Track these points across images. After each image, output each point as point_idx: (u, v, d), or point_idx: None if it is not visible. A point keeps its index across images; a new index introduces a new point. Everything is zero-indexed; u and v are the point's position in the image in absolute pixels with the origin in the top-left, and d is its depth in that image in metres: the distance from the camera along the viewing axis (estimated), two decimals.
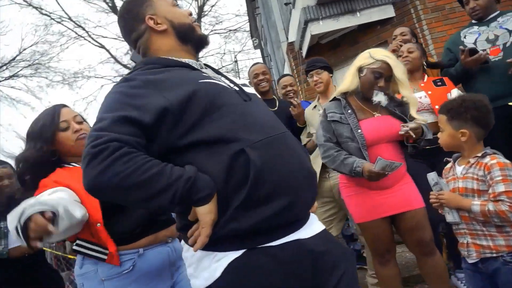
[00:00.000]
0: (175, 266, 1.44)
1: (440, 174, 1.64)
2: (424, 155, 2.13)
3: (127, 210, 1.34)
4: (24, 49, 15.51)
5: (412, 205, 1.86)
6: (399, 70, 1.84)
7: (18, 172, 1.37)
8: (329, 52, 5.63)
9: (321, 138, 1.98)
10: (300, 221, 0.98)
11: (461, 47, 2.26)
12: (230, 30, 16.83)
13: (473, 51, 2.19)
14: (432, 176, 1.57)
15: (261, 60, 13.87)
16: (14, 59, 15.87)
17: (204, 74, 1.06)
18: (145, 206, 1.02)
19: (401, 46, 2.71)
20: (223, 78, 1.11)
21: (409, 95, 1.86)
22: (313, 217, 1.05)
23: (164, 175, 0.86)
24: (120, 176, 0.83)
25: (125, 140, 0.86)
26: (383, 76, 1.86)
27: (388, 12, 5.05)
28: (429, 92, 2.25)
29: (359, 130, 1.85)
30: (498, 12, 2.41)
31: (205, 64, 1.16)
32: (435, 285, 1.92)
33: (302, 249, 0.93)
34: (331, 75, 2.70)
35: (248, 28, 15.35)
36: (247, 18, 14.82)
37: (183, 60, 1.09)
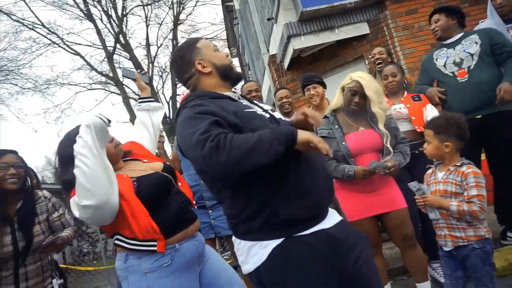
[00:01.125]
0: (202, 256, 1.68)
1: (418, 177, 1.95)
2: None
3: (161, 209, 1.55)
4: None
5: (396, 205, 2.17)
6: (369, 89, 2.13)
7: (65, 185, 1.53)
8: (309, 65, 6.00)
9: None
10: (323, 215, 1.26)
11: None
12: (207, 38, 17.04)
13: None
14: (413, 185, 1.86)
15: (239, 69, 14.13)
16: None
17: (244, 104, 1.33)
18: (267, 159, 1.10)
19: (379, 64, 3.07)
20: (256, 107, 1.37)
21: (377, 111, 2.14)
22: (332, 211, 1.32)
23: (263, 133, 1.10)
24: (241, 148, 1.06)
25: (224, 131, 1.12)
26: (357, 93, 2.17)
27: (363, 29, 5.48)
28: (408, 105, 2.61)
29: (344, 143, 2.16)
30: (462, 34, 2.73)
31: (240, 95, 1.44)
32: (417, 274, 2.24)
33: (325, 235, 1.20)
34: (325, 89, 3.01)
35: (224, 37, 15.63)
36: (223, 26, 15.11)
37: (224, 93, 1.37)
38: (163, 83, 16.33)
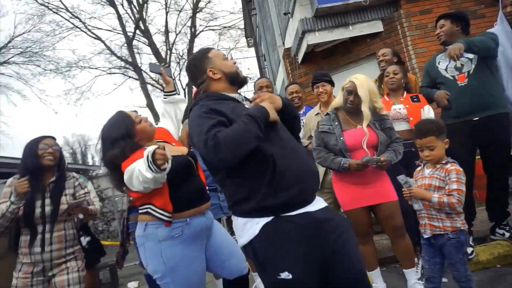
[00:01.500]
0: (209, 231, 1.95)
1: (412, 172, 2.16)
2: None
3: (182, 187, 1.81)
4: (16, 36, 15.47)
5: (387, 198, 2.38)
6: (361, 89, 2.35)
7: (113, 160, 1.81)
8: (323, 60, 6.14)
9: (314, 144, 2.53)
10: (308, 201, 1.49)
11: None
12: (224, 27, 17.17)
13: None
14: (401, 178, 2.07)
15: (255, 59, 14.28)
16: (5, 45, 15.83)
17: (246, 106, 1.58)
18: (256, 140, 1.40)
19: (382, 65, 3.24)
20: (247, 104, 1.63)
21: (365, 110, 2.35)
22: (318, 199, 1.56)
23: (245, 121, 1.39)
24: (235, 140, 1.36)
25: (220, 129, 1.39)
26: (352, 93, 2.39)
27: (377, 27, 5.58)
28: (407, 106, 2.79)
29: (342, 138, 2.38)
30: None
31: (244, 97, 1.69)
32: (404, 261, 2.47)
33: (310, 217, 1.44)
34: (333, 87, 3.22)
35: (242, 26, 15.74)
36: (241, 16, 15.20)
37: (231, 95, 1.63)
38: (180, 70, 16.54)
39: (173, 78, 15.62)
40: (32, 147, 2.27)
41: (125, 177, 1.66)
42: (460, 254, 1.90)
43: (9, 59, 15.80)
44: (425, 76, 3.08)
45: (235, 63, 1.71)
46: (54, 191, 2.28)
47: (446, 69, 2.86)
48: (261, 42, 11.77)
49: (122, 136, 1.83)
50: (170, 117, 2.24)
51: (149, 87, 15.67)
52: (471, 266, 2.66)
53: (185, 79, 16.68)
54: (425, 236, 1.98)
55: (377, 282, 2.55)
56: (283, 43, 7.36)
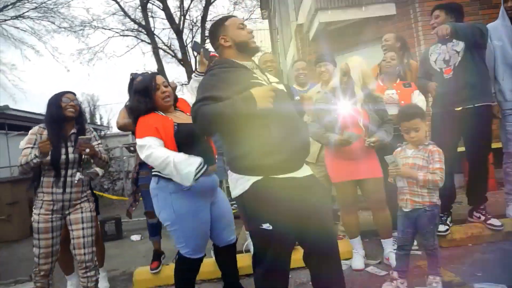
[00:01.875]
0: (215, 190, 2.23)
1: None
2: None
3: (191, 148, 2.05)
4: None
5: (373, 174, 2.60)
6: (354, 71, 2.55)
7: (130, 111, 2.22)
8: (333, 38, 6.18)
9: (310, 119, 2.72)
10: (295, 168, 1.70)
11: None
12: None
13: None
14: (390, 157, 2.26)
15: (268, 32, 14.18)
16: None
17: (254, 75, 1.75)
18: (227, 124, 1.60)
19: (384, 49, 3.37)
20: (265, 77, 1.80)
21: (357, 91, 2.56)
22: (305, 167, 1.77)
23: (227, 104, 1.55)
24: (207, 119, 1.57)
25: (205, 104, 1.59)
26: (346, 74, 2.57)
27: (390, 9, 5.60)
28: (398, 91, 2.97)
29: (336, 116, 2.58)
30: None
31: (256, 65, 1.85)
32: (383, 232, 2.73)
33: (295, 181, 1.67)
34: (334, 68, 3.37)
35: None
36: None
37: (242, 62, 1.78)
38: (193, 36, 16.47)
39: (185, 42, 15.61)
40: (57, 100, 2.51)
41: (148, 154, 1.98)
42: (432, 225, 2.16)
43: (24, 13, 15.81)
44: (420, 67, 3.21)
45: (250, 33, 1.81)
46: (76, 141, 2.51)
47: (435, 61, 2.99)
48: (275, 15, 11.67)
49: (141, 92, 2.17)
50: (194, 93, 2.44)
51: (161, 52, 15.71)
52: (445, 243, 2.94)
53: None
54: (405, 210, 2.21)
55: (356, 249, 2.82)
56: (296, 19, 7.36)
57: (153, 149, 1.97)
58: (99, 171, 2.93)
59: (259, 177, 1.64)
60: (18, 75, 32.71)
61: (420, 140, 2.21)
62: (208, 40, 16.25)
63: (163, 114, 2.19)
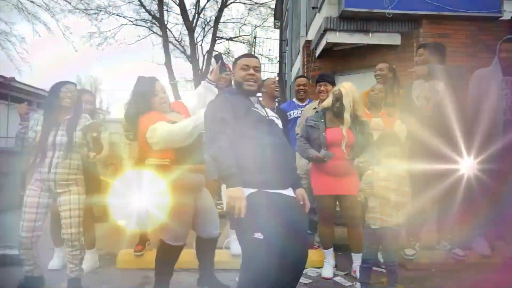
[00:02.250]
0: (201, 188, 2.47)
1: None
2: None
3: (181, 147, 2.28)
4: None
5: (351, 191, 2.81)
6: (346, 98, 2.77)
7: (127, 111, 2.38)
8: (338, 59, 6.45)
9: (299, 134, 2.93)
10: (283, 186, 1.95)
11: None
12: (256, 3, 17.23)
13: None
14: (367, 178, 2.47)
15: (277, 42, 14.45)
16: None
17: (255, 105, 2.04)
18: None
19: (378, 78, 3.60)
20: (262, 109, 2.08)
21: (346, 117, 2.77)
22: (290, 189, 2.01)
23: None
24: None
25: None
26: (339, 100, 2.79)
27: (395, 39, 5.86)
28: (383, 119, 3.18)
29: (323, 134, 2.80)
30: None
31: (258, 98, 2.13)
32: (354, 246, 2.93)
33: (283, 197, 1.91)
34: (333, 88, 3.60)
35: (273, 5, 15.78)
36: None
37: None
38: (204, 36, 16.73)
39: (195, 40, 15.83)
40: (56, 89, 2.69)
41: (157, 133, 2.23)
42: (395, 243, 2.38)
43: None
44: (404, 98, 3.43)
45: (250, 74, 2.06)
46: (68, 126, 2.68)
47: (417, 97, 3.22)
48: (287, 27, 11.95)
49: (140, 95, 2.40)
50: (199, 98, 2.66)
51: (171, 47, 15.92)
52: (411, 265, 3.16)
53: (206, 45, 16.88)
54: (374, 227, 2.42)
55: (328, 259, 3.03)
56: (306, 34, 7.63)
57: (170, 125, 2.24)
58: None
59: (254, 190, 1.84)
60: (27, 49, 32.57)
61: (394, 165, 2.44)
62: (217, 41, 16.48)
63: (160, 113, 2.40)
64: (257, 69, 2.10)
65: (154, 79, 2.50)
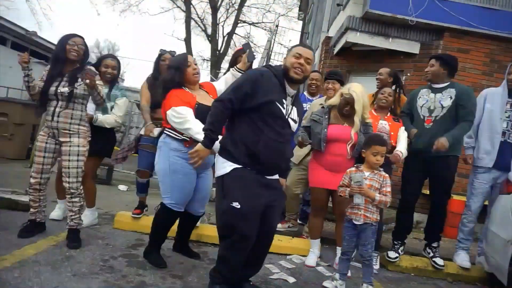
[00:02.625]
0: (207, 166, 2.62)
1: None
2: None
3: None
4: None
5: None
6: (358, 103, 2.80)
7: (164, 83, 2.60)
8: (355, 59, 6.48)
9: (302, 125, 3.01)
10: (268, 173, 2.14)
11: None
12: None
13: None
14: (357, 176, 2.55)
15: (298, 34, 14.38)
16: None
17: (284, 96, 2.14)
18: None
19: (377, 82, 3.65)
20: (287, 102, 2.16)
21: (356, 121, 2.83)
22: (276, 176, 2.19)
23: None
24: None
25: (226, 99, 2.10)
26: (349, 104, 2.85)
27: (414, 48, 5.86)
28: (389, 123, 3.28)
29: (325, 130, 2.89)
30: (448, 83, 3.21)
31: (297, 93, 2.25)
32: (340, 240, 3.05)
33: (265, 178, 2.10)
34: (342, 87, 3.66)
35: None
36: None
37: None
38: (227, 17, 16.68)
39: (218, 20, 15.79)
40: (64, 41, 2.77)
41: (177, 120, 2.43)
42: (373, 238, 2.53)
43: None
44: (407, 103, 3.49)
45: (299, 63, 2.12)
46: (71, 77, 2.77)
47: (421, 107, 3.30)
48: (310, 20, 11.89)
49: (175, 67, 2.60)
50: (226, 83, 2.82)
51: (192, 23, 15.95)
52: (392, 267, 3.29)
53: (228, 27, 16.85)
54: (356, 223, 2.54)
55: (313, 249, 3.17)
56: (327, 30, 7.64)
57: (191, 116, 2.41)
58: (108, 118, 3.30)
59: (239, 165, 2.06)
60: (50, 4, 32.68)
61: (379, 165, 2.56)
62: (239, 24, 16.43)
63: (190, 91, 2.58)
64: (309, 61, 2.15)
65: (186, 54, 2.74)
